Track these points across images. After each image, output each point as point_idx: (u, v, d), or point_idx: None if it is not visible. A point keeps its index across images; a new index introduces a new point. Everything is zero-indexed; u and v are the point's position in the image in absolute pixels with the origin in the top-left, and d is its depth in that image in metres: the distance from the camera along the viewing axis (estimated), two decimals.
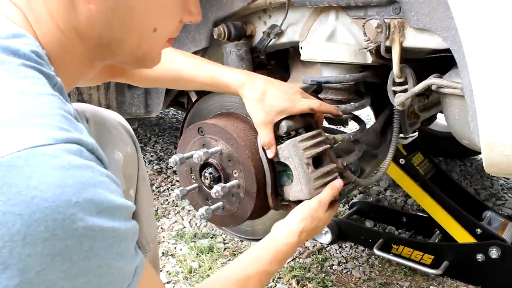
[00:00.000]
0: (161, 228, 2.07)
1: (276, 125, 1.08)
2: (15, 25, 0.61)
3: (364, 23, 1.15)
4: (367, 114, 3.33)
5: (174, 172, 2.64)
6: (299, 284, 1.64)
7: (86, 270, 0.50)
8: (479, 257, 1.59)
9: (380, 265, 1.78)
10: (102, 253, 0.51)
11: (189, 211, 2.21)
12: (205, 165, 1.16)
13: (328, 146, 1.12)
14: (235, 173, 1.12)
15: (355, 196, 2.33)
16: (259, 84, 1.08)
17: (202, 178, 1.16)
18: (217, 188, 1.06)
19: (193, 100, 1.45)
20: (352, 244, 1.91)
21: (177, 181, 2.53)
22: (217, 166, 1.14)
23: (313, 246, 1.88)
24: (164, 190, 2.45)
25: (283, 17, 1.35)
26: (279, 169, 1.11)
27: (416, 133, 1.63)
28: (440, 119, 2.24)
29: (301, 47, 1.32)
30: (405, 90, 1.18)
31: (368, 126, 1.52)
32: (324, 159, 1.11)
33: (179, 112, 3.86)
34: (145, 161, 2.78)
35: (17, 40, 0.58)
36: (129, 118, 1.78)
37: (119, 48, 0.69)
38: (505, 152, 0.98)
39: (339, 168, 1.14)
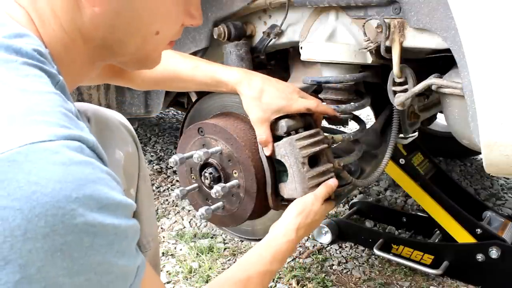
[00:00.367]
0: (161, 228, 2.07)
1: (275, 124, 1.08)
2: (19, 25, 0.61)
3: (364, 23, 1.15)
4: (367, 114, 3.33)
5: (174, 172, 2.64)
6: (299, 284, 1.64)
7: (86, 267, 0.49)
8: (479, 257, 1.59)
9: (380, 265, 1.78)
10: (103, 250, 0.50)
11: (189, 211, 2.21)
12: (205, 165, 1.16)
13: (326, 145, 1.12)
14: (235, 173, 1.12)
15: (355, 196, 2.33)
16: (257, 82, 1.08)
17: (202, 178, 1.16)
18: (217, 188, 1.06)
19: (193, 100, 1.45)
20: (352, 244, 1.90)
21: (177, 181, 2.53)
22: (217, 166, 1.14)
23: (313, 246, 1.88)
24: (164, 190, 2.45)
25: (283, 17, 1.35)
26: (279, 169, 1.11)
27: (416, 133, 1.63)
28: (440, 119, 2.24)
29: (301, 47, 1.32)
30: (405, 90, 1.18)
31: (368, 126, 1.52)
32: (321, 159, 1.11)
33: (179, 112, 3.86)
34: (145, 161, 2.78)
35: (20, 39, 0.58)
36: (129, 118, 1.77)
37: (122, 50, 0.70)
38: (505, 152, 0.98)
39: (335, 168, 1.14)
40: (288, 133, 1.08)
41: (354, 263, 1.79)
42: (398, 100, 1.19)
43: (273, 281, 1.65)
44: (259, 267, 0.93)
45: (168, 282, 1.66)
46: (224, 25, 1.41)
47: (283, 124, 1.07)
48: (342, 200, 2.21)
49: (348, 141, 1.36)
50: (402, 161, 1.81)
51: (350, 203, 2.18)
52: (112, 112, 1.04)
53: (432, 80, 1.11)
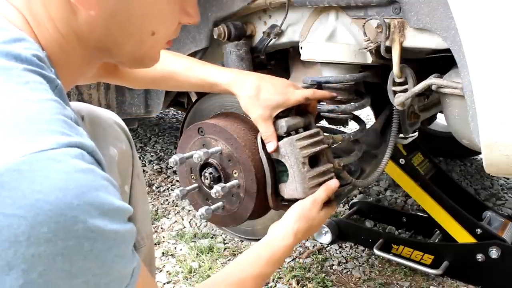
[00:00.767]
0: (161, 228, 2.07)
1: (275, 124, 1.08)
2: (15, 28, 0.61)
3: (364, 23, 1.15)
4: (367, 114, 3.33)
5: (174, 172, 2.64)
6: (299, 284, 1.64)
7: (85, 270, 0.51)
8: (479, 257, 1.59)
9: (380, 265, 1.78)
10: (103, 254, 0.52)
11: (189, 211, 2.21)
12: (205, 165, 1.16)
13: (326, 146, 1.12)
14: (235, 173, 1.12)
15: (355, 196, 2.33)
16: (252, 81, 1.08)
17: (202, 178, 1.16)
18: (217, 188, 1.06)
19: (193, 100, 1.45)
20: (352, 244, 1.90)
21: (177, 181, 2.53)
22: (217, 166, 1.14)
23: (313, 246, 1.88)
24: (164, 190, 2.44)
25: (283, 17, 1.35)
26: (279, 169, 1.11)
27: (416, 133, 1.63)
28: (440, 119, 2.24)
29: (301, 47, 1.32)
30: (405, 90, 1.18)
31: (368, 126, 1.52)
32: (321, 159, 1.11)
33: (179, 112, 3.86)
34: (145, 161, 2.79)
35: (18, 44, 0.59)
36: (129, 118, 1.79)
37: (118, 51, 0.71)
38: (505, 152, 0.98)
39: (335, 168, 1.14)
40: (288, 133, 1.08)
41: (354, 263, 1.79)
42: (398, 100, 1.19)
43: (272, 281, 1.65)
44: (255, 268, 0.94)
45: (168, 282, 1.66)
46: (224, 25, 1.41)
47: (283, 124, 1.07)
48: (342, 200, 2.21)
49: (348, 141, 1.36)
50: (402, 161, 1.81)
51: (350, 203, 2.18)
52: (106, 111, 1.05)
53: (432, 80, 1.11)
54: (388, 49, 1.15)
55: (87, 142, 0.55)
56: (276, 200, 1.12)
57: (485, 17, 0.92)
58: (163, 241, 1.94)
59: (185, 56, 1.22)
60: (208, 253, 1.82)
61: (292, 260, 1.79)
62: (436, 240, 1.77)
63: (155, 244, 1.90)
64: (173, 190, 2.43)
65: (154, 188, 2.46)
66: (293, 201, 1.08)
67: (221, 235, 1.97)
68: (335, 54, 1.23)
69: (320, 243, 1.90)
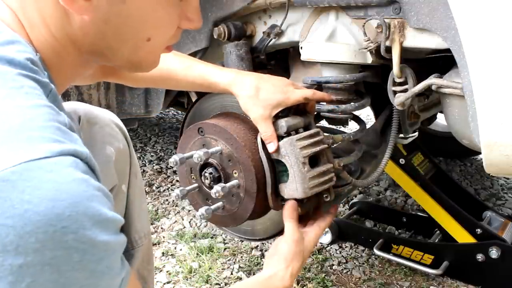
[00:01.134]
0: (161, 228, 2.07)
1: (275, 124, 1.08)
2: (9, 29, 0.61)
3: (364, 23, 1.15)
4: (367, 114, 3.33)
5: (174, 172, 2.64)
6: (299, 284, 1.64)
7: (73, 280, 0.50)
8: (479, 257, 1.59)
9: (380, 265, 1.78)
10: (92, 266, 0.52)
11: (189, 211, 2.21)
12: (205, 165, 1.16)
13: (326, 146, 1.12)
14: (235, 173, 1.12)
15: (355, 196, 2.33)
16: (251, 80, 1.07)
17: (202, 178, 1.16)
18: (217, 188, 1.06)
19: (193, 100, 1.45)
20: (352, 244, 1.91)
21: (177, 181, 2.53)
22: (217, 166, 1.14)
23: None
24: (164, 190, 2.44)
25: (283, 17, 1.35)
26: (279, 169, 1.10)
27: (416, 133, 1.63)
28: (440, 119, 2.24)
29: (301, 47, 1.32)
30: (405, 90, 1.18)
31: (368, 126, 1.52)
32: (321, 159, 1.11)
33: (179, 112, 3.86)
34: (145, 161, 2.79)
35: (12, 46, 0.58)
36: (129, 118, 1.79)
37: (113, 56, 0.70)
38: (505, 152, 0.98)
39: (335, 168, 1.14)
40: (288, 133, 1.08)
41: (354, 263, 1.79)
42: (398, 100, 1.19)
43: None
44: None
45: (168, 282, 1.66)
46: (224, 25, 1.41)
47: (283, 124, 1.07)
48: (342, 200, 2.21)
49: (348, 141, 1.36)
50: (402, 161, 1.81)
51: (350, 203, 2.18)
52: (103, 111, 1.05)
53: (432, 80, 1.11)
54: (388, 49, 1.15)
55: (81, 149, 0.54)
56: (276, 200, 1.12)
57: (485, 17, 0.92)
58: (163, 241, 1.94)
59: (185, 55, 1.21)
60: (208, 253, 1.82)
61: None
62: (436, 240, 1.77)
63: (155, 244, 1.90)
64: (173, 190, 2.43)
65: (154, 188, 2.46)
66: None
67: (221, 235, 1.97)
68: (335, 54, 1.23)
69: (320, 243, 1.90)
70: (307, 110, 1.15)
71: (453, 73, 1.11)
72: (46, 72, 0.62)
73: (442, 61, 1.24)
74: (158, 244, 1.92)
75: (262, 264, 1.72)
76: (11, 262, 0.46)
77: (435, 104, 1.64)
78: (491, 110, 0.96)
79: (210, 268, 1.73)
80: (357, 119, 1.42)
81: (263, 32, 1.43)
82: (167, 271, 1.73)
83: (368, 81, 1.38)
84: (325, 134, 1.17)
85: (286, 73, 1.55)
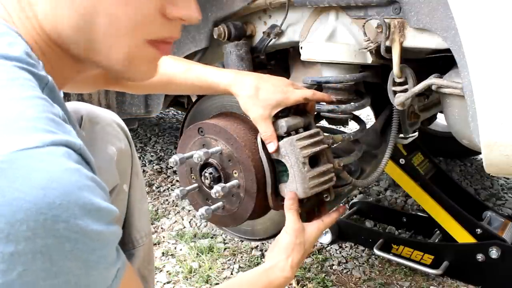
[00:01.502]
0: (161, 228, 2.07)
1: (274, 124, 1.08)
2: (3, 21, 0.61)
3: (364, 23, 1.15)
4: (367, 114, 3.33)
5: (174, 172, 2.64)
6: (299, 284, 1.64)
7: (65, 269, 0.50)
8: (479, 257, 1.59)
9: (380, 265, 1.78)
10: (84, 255, 0.51)
11: (189, 211, 2.21)
12: (205, 165, 1.16)
13: (326, 146, 1.12)
14: (235, 173, 1.12)
15: (355, 196, 2.33)
16: (251, 80, 1.07)
17: (202, 178, 1.16)
18: (217, 188, 1.06)
19: (193, 100, 1.45)
20: (352, 244, 1.91)
21: (177, 181, 2.53)
22: (217, 166, 1.14)
23: (313, 246, 1.88)
24: (164, 190, 2.44)
25: (283, 17, 1.35)
26: (279, 169, 1.11)
27: (416, 133, 1.63)
28: (440, 119, 2.24)
29: (301, 47, 1.32)
30: (405, 90, 1.18)
31: (368, 126, 1.52)
32: (321, 159, 1.11)
33: (179, 112, 3.86)
34: (145, 161, 2.79)
35: (5, 38, 0.58)
36: (129, 118, 1.79)
37: (96, 57, 0.66)
38: (505, 152, 0.98)
39: (335, 168, 1.14)
40: (288, 133, 1.08)
41: (354, 263, 1.79)
42: (398, 100, 1.19)
43: None
44: None
45: (168, 282, 1.66)
46: (224, 25, 1.41)
47: (283, 124, 1.07)
48: (342, 200, 2.21)
49: (348, 141, 1.36)
50: (402, 161, 1.81)
51: (350, 203, 2.18)
52: (105, 111, 1.05)
53: (432, 80, 1.11)
54: (388, 49, 1.15)
55: (74, 140, 0.54)
56: (276, 200, 1.12)
57: (485, 17, 0.92)
58: (163, 241, 1.94)
59: (183, 59, 1.21)
60: (208, 253, 1.82)
61: None
62: (436, 240, 1.77)
63: (155, 244, 1.90)
64: (173, 190, 2.43)
65: (154, 188, 2.46)
66: None
67: (221, 235, 1.97)
68: (335, 54, 1.23)
69: (320, 243, 1.90)
70: (307, 110, 1.15)
71: (453, 73, 1.11)
72: (40, 62, 0.61)
73: (442, 61, 1.24)
74: (158, 244, 1.92)
75: None
76: (2, 250, 0.46)
77: (435, 104, 1.64)
78: (491, 110, 0.96)
79: (210, 268, 1.73)
80: (357, 119, 1.42)
81: (263, 32, 1.43)
82: (167, 271, 1.73)
83: (368, 81, 1.38)
84: (325, 134, 1.17)
85: (286, 73, 1.55)
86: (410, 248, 1.73)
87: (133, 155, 1.06)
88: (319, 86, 1.33)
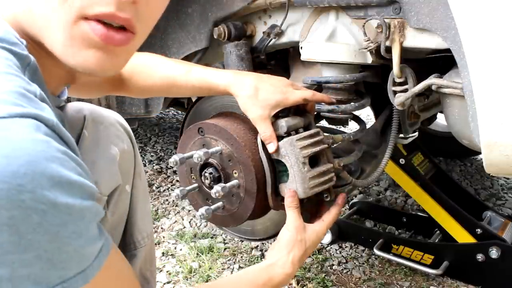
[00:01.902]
0: (161, 228, 2.07)
1: (274, 124, 1.08)
2: None
3: (364, 23, 1.15)
4: (367, 114, 3.33)
5: (174, 172, 2.64)
6: (299, 284, 1.64)
7: (35, 243, 0.48)
8: (479, 257, 1.59)
9: (380, 265, 1.78)
10: (55, 229, 0.49)
11: (189, 211, 2.21)
12: (205, 165, 1.16)
13: (326, 145, 1.12)
14: (235, 173, 1.12)
15: (355, 196, 2.33)
16: (250, 80, 1.07)
17: (202, 178, 1.16)
18: (217, 188, 1.06)
19: (194, 100, 1.45)
20: (352, 244, 1.91)
21: (177, 181, 2.53)
22: (217, 166, 1.14)
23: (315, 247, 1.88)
24: (164, 190, 2.45)
25: (283, 17, 1.35)
26: (279, 169, 1.11)
27: (416, 133, 1.63)
28: (440, 119, 2.24)
29: (301, 47, 1.32)
30: (405, 90, 1.18)
31: (368, 126, 1.52)
32: (321, 159, 1.11)
33: (179, 112, 3.87)
34: (145, 161, 2.79)
35: None
36: (129, 118, 1.78)
37: (44, 40, 0.63)
38: (505, 152, 0.98)
39: (335, 168, 1.14)
40: (288, 133, 1.08)
41: (354, 263, 1.79)
42: (398, 100, 1.19)
43: None
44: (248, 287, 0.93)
45: (168, 282, 1.66)
46: (224, 25, 1.41)
47: (283, 124, 1.07)
48: None
49: (348, 141, 1.36)
50: (402, 161, 1.81)
51: (350, 203, 2.18)
52: (108, 111, 1.05)
53: (432, 80, 1.11)
54: (388, 49, 1.15)
55: (47, 115, 0.52)
56: (276, 200, 1.12)
57: (485, 17, 0.92)
58: (163, 241, 1.94)
59: (182, 61, 1.22)
60: (208, 253, 1.82)
61: None
62: (436, 240, 1.77)
63: (155, 244, 1.90)
64: (173, 190, 2.43)
65: (154, 188, 2.46)
66: None
67: (221, 235, 1.97)
68: (335, 54, 1.23)
69: (320, 243, 1.90)
70: (306, 110, 1.15)
71: (453, 73, 1.11)
72: (23, 41, 0.60)
73: (442, 61, 1.24)
74: (158, 244, 1.92)
75: None
76: None
77: (435, 104, 1.64)
78: (491, 110, 0.96)
79: (210, 268, 1.73)
80: (357, 119, 1.42)
81: (263, 32, 1.43)
82: (167, 271, 1.73)
83: (368, 81, 1.38)
84: (325, 134, 1.17)
85: (286, 73, 1.55)
86: (410, 248, 1.73)
87: (136, 155, 1.06)
88: (319, 86, 1.32)
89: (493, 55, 0.93)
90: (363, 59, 1.23)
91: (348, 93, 1.29)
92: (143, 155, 2.90)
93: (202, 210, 1.11)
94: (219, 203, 1.15)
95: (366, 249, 1.87)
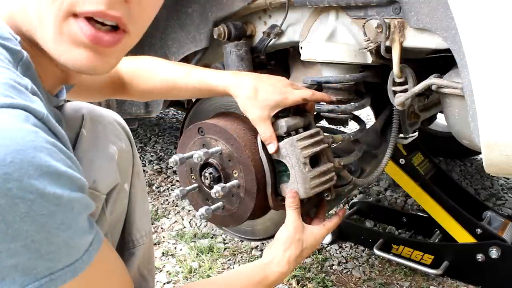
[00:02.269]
0: (161, 228, 2.07)
1: (274, 125, 1.08)
2: None
3: (364, 23, 1.15)
4: (367, 114, 3.33)
5: (174, 172, 2.64)
6: (299, 284, 1.64)
7: (22, 233, 0.48)
8: (479, 257, 1.59)
9: (380, 265, 1.78)
10: (42, 219, 0.49)
11: (189, 211, 2.21)
12: (205, 165, 1.16)
13: (326, 145, 1.12)
14: (235, 173, 1.12)
15: (355, 196, 2.33)
16: (249, 81, 1.07)
17: (202, 178, 1.16)
18: (217, 188, 1.06)
19: (194, 100, 1.45)
20: (352, 244, 1.91)
21: (177, 181, 2.53)
22: (217, 166, 1.14)
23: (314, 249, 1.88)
24: (164, 190, 2.45)
25: (283, 17, 1.35)
26: (279, 169, 1.11)
27: (416, 133, 1.63)
28: (440, 119, 2.24)
29: (301, 47, 1.32)
30: (405, 90, 1.18)
31: (368, 126, 1.52)
32: (321, 159, 1.11)
33: (179, 112, 3.87)
34: (145, 161, 2.79)
35: None
36: (129, 118, 1.79)
37: (38, 37, 0.63)
38: (505, 152, 0.98)
39: (336, 167, 1.14)
40: (288, 133, 1.08)
41: (354, 263, 1.79)
42: (398, 100, 1.19)
43: None
44: (245, 285, 0.93)
45: (168, 282, 1.66)
46: (224, 25, 1.41)
47: (283, 124, 1.07)
48: (343, 199, 2.21)
49: (348, 141, 1.36)
50: (402, 161, 1.81)
51: (350, 203, 2.18)
52: (107, 110, 1.05)
53: (432, 80, 1.11)
54: (388, 49, 1.15)
55: (36, 107, 0.52)
56: (276, 200, 1.12)
57: (485, 17, 0.92)
58: (163, 241, 1.94)
59: (182, 64, 1.22)
60: (208, 253, 1.82)
61: None
62: (436, 240, 1.77)
63: (155, 244, 1.90)
64: (173, 190, 2.43)
65: (154, 188, 2.46)
66: None
67: (221, 235, 1.97)
68: (335, 54, 1.23)
69: (321, 243, 1.90)
70: (306, 110, 1.15)
71: (453, 73, 1.11)
72: (17, 37, 0.60)
73: (442, 61, 1.24)
74: (158, 244, 1.92)
75: None
76: None
77: (435, 104, 1.64)
78: (491, 110, 0.96)
79: (210, 268, 1.73)
80: (357, 119, 1.42)
81: (263, 32, 1.43)
82: (167, 271, 1.73)
83: (368, 81, 1.38)
84: (325, 134, 1.17)
85: (286, 73, 1.55)
86: (410, 248, 1.73)
87: (135, 155, 1.07)
88: (319, 86, 1.32)
89: (493, 55, 0.93)
90: (363, 59, 1.23)
91: (348, 93, 1.29)
92: (143, 155, 2.90)
93: (202, 210, 1.11)
94: (219, 203, 1.15)
95: (366, 249, 1.87)
